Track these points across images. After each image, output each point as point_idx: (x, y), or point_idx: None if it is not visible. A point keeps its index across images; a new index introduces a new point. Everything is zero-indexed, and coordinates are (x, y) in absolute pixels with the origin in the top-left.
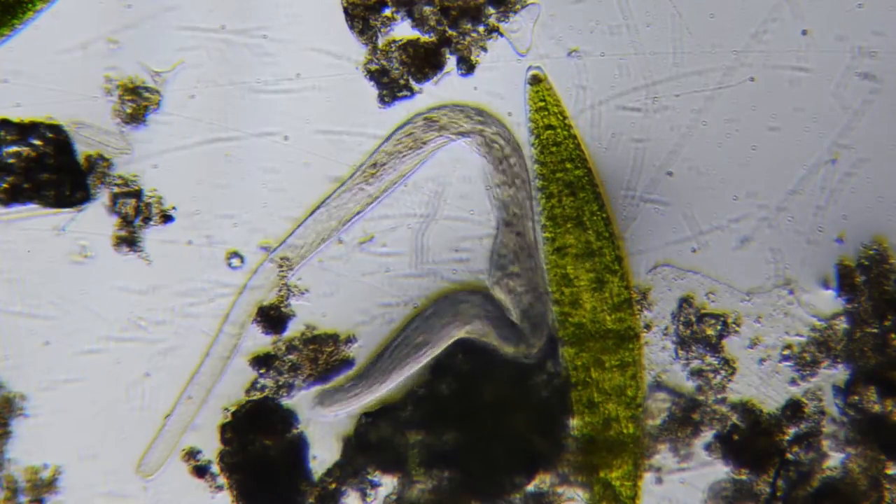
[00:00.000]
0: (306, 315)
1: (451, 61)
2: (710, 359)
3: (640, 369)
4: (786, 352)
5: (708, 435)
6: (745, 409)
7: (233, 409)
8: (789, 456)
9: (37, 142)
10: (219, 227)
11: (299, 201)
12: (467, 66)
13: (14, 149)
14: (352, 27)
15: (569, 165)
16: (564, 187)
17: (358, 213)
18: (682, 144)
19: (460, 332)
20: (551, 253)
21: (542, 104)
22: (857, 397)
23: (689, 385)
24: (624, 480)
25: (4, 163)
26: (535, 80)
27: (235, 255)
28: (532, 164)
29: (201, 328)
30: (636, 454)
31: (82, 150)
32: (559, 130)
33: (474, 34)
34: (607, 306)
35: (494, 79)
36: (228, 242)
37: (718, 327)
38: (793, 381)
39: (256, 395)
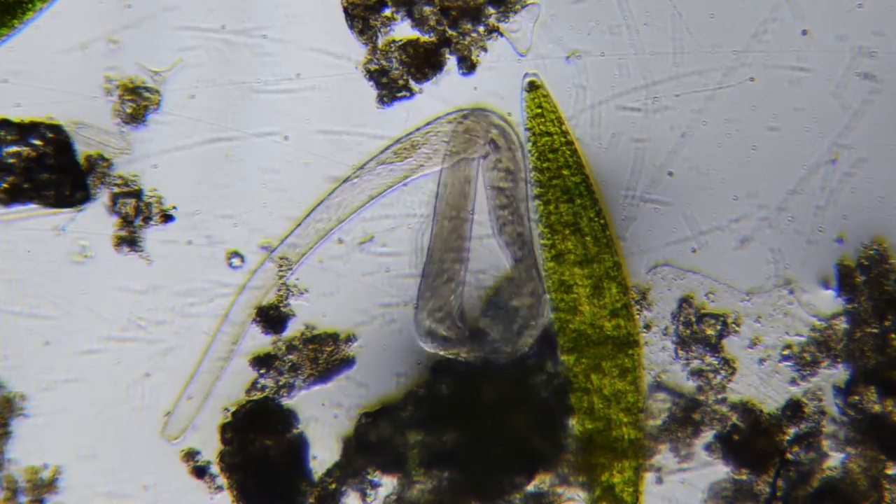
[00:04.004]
0: (306, 315)
1: (451, 61)
2: (710, 359)
3: (639, 375)
4: (786, 352)
5: (708, 435)
6: (745, 409)
7: (233, 409)
8: (789, 456)
9: (37, 142)
10: (219, 227)
11: (299, 201)
12: (467, 66)
13: (14, 149)
14: (352, 27)
15: (566, 172)
16: (561, 194)
17: (373, 198)
18: (682, 144)
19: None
20: (549, 260)
21: (539, 111)
22: (857, 397)
23: (689, 385)
24: (625, 486)
25: (4, 163)
26: (532, 87)
27: (235, 254)
28: (529, 167)
29: (201, 328)
30: (637, 458)
31: (82, 150)
32: (556, 137)
33: (474, 34)
34: (606, 312)
35: (494, 79)
36: (228, 242)
37: (718, 327)
38: (793, 381)
39: (256, 395)
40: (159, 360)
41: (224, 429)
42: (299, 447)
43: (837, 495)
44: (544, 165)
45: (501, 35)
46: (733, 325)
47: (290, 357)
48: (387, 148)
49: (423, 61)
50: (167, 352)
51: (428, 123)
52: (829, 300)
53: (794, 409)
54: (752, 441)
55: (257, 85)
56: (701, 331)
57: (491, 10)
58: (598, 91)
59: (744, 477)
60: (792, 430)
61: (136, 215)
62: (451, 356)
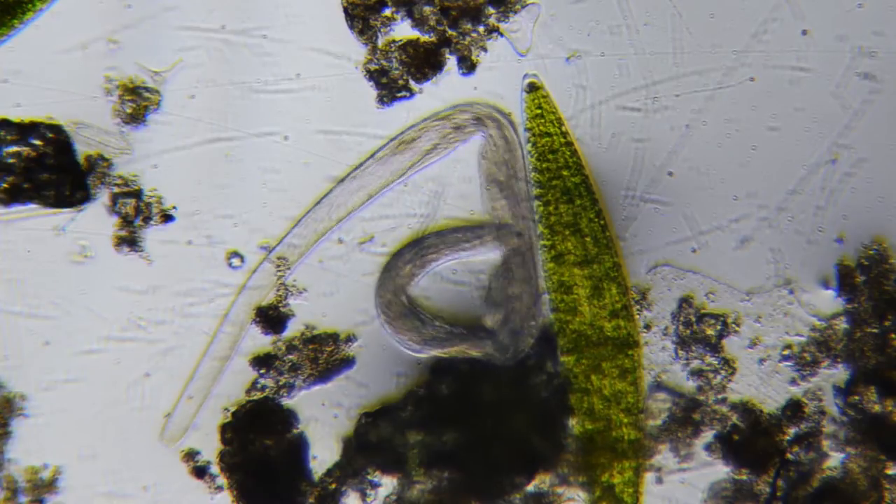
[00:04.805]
0: (306, 315)
1: (451, 61)
2: (710, 359)
3: (639, 376)
4: (786, 352)
5: (708, 435)
6: (745, 409)
7: (233, 409)
8: (789, 456)
9: (37, 142)
10: (219, 227)
11: (299, 201)
12: (467, 66)
13: (14, 149)
14: (352, 27)
15: (566, 173)
16: (561, 194)
17: (372, 196)
18: (682, 144)
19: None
20: (549, 260)
21: (539, 112)
22: (857, 397)
23: (689, 385)
24: (625, 487)
25: (4, 163)
26: (532, 88)
27: (235, 254)
28: (529, 167)
29: (201, 328)
30: (637, 458)
31: (82, 150)
32: (556, 138)
33: (474, 34)
34: (606, 313)
35: (494, 79)
36: (228, 242)
37: (718, 327)
38: (793, 381)
39: (256, 395)
40: (159, 360)
41: (224, 429)
42: (299, 447)
43: (837, 495)
44: (544, 166)
45: (501, 35)
46: (733, 325)
47: (290, 357)
48: (382, 147)
49: (423, 61)
50: (167, 352)
51: (424, 120)
52: (829, 300)
53: (794, 409)
54: (752, 441)
55: (257, 85)
56: (701, 331)
57: (491, 10)
58: (598, 91)
59: (744, 477)
60: (792, 430)
61: (136, 215)
62: (450, 355)
